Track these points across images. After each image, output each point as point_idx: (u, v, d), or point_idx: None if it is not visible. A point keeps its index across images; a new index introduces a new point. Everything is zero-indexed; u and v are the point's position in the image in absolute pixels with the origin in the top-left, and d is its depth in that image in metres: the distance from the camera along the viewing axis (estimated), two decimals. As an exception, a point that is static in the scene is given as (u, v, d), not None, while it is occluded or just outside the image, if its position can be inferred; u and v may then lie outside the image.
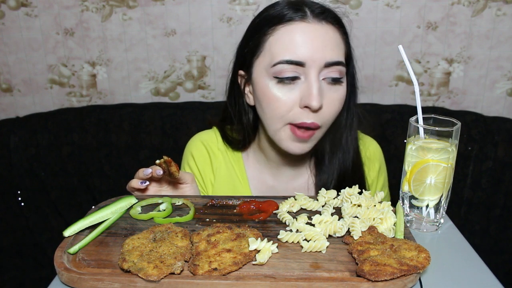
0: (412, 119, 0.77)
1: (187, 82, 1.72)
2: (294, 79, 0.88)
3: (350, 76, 0.99)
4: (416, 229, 0.79)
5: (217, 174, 1.10)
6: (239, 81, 1.01)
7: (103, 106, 1.64)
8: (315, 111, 0.88)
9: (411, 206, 0.79)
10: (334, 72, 0.89)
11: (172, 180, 0.93)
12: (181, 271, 0.62)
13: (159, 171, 0.86)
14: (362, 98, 1.66)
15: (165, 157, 0.85)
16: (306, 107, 0.88)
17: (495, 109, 1.64)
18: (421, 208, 0.78)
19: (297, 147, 0.94)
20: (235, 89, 1.04)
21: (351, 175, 1.03)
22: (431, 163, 0.74)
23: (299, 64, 0.87)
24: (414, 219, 0.79)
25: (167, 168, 0.86)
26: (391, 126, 1.50)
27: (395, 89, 1.66)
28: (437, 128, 0.74)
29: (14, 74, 1.73)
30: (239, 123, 1.05)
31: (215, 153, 1.10)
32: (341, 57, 0.90)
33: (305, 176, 1.09)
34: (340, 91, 0.92)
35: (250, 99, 1.00)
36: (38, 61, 1.71)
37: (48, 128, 1.59)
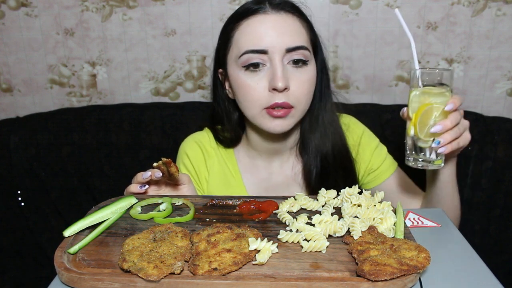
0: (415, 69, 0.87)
1: (187, 82, 1.72)
2: (259, 65, 0.95)
3: (320, 63, 1.05)
4: (424, 167, 0.87)
5: (211, 171, 1.14)
6: (220, 79, 1.08)
7: (103, 106, 1.63)
8: (282, 91, 0.94)
9: (417, 150, 0.86)
10: (297, 55, 0.96)
11: (171, 181, 0.93)
12: (181, 271, 0.63)
13: (158, 173, 0.86)
14: (362, 98, 1.67)
15: (164, 159, 0.85)
16: (274, 89, 0.94)
17: (495, 109, 1.64)
18: (426, 150, 0.85)
19: (278, 125, 0.98)
20: (218, 90, 1.11)
21: (332, 158, 1.08)
22: (434, 105, 0.83)
23: (262, 52, 0.95)
24: (422, 160, 0.86)
25: (166, 169, 0.86)
26: (391, 126, 1.50)
27: (395, 89, 1.66)
28: (437, 70, 0.84)
29: (14, 74, 1.73)
30: (228, 122, 1.11)
31: (208, 151, 1.15)
32: (302, 42, 0.97)
33: (294, 163, 1.13)
34: (307, 72, 0.98)
35: (230, 94, 1.06)
36: (38, 61, 1.71)
37: (48, 128, 1.59)
